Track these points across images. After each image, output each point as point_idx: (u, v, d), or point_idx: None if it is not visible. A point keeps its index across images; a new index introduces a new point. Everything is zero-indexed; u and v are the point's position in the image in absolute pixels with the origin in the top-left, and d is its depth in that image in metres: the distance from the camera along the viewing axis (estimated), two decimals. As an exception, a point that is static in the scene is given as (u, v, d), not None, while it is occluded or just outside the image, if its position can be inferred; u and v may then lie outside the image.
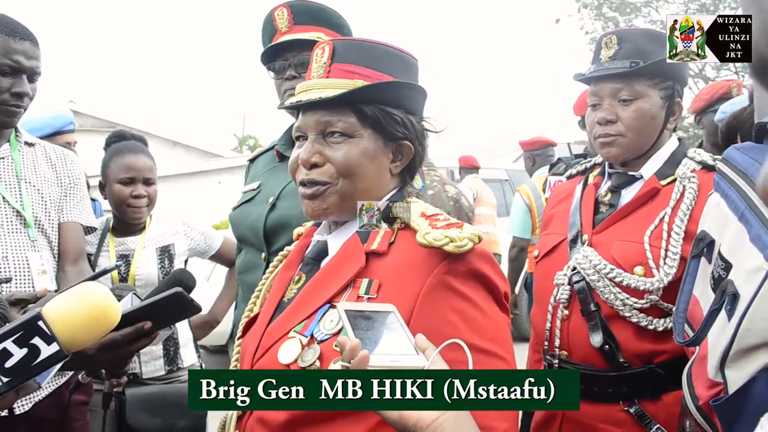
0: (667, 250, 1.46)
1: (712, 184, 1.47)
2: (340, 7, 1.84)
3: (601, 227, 1.58)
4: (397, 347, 0.82)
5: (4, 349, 0.81)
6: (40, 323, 0.82)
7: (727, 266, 0.96)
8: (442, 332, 0.91)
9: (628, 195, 1.60)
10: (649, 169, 1.59)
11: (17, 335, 0.81)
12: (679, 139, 1.64)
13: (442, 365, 0.81)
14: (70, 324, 0.84)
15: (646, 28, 2.73)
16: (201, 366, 2.33)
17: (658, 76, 1.55)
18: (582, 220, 1.62)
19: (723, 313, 0.92)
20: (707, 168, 1.54)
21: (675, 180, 1.54)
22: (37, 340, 0.82)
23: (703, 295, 1.11)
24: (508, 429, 0.92)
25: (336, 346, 0.93)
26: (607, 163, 1.67)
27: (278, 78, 1.77)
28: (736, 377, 0.86)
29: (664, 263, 1.45)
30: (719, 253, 1.01)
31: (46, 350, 0.82)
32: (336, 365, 0.80)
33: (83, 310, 0.85)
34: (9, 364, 0.81)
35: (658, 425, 1.46)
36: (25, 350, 0.81)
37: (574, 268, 1.56)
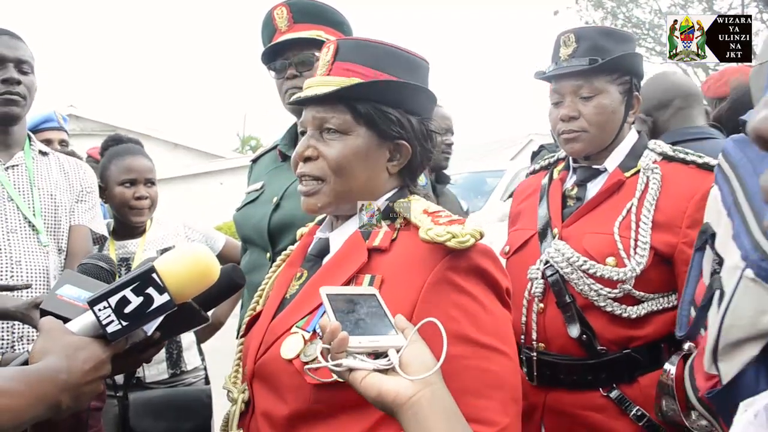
0: (636, 240, 1.49)
1: (675, 174, 1.53)
2: (340, 3, 1.83)
3: (570, 220, 1.61)
4: (377, 328, 0.84)
5: (124, 296, 0.89)
6: (154, 275, 0.89)
7: (720, 261, 0.97)
8: (443, 327, 0.92)
9: (594, 188, 1.63)
10: (612, 162, 1.63)
11: (135, 285, 0.89)
12: (638, 132, 1.69)
13: (421, 344, 0.83)
14: (178, 278, 0.91)
15: (603, 26, 2.75)
16: (205, 369, 2.33)
17: (615, 71, 1.59)
18: (551, 214, 1.65)
19: (715, 307, 0.93)
20: (667, 158, 1.58)
21: (638, 171, 1.58)
22: (151, 290, 0.89)
23: None
24: (510, 425, 0.91)
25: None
26: (570, 157, 1.70)
27: (279, 77, 1.77)
28: (728, 369, 0.88)
29: (635, 253, 1.48)
30: (714, 247, 1.02)
31: (158, 300, 0.90)
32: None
33: (189, 266, 0.93)
34: (128, 309, 0.89)
35: (638, 407, 1.48)
36: (141, 299, 0.89)
37: (547, 262, 1.58)
